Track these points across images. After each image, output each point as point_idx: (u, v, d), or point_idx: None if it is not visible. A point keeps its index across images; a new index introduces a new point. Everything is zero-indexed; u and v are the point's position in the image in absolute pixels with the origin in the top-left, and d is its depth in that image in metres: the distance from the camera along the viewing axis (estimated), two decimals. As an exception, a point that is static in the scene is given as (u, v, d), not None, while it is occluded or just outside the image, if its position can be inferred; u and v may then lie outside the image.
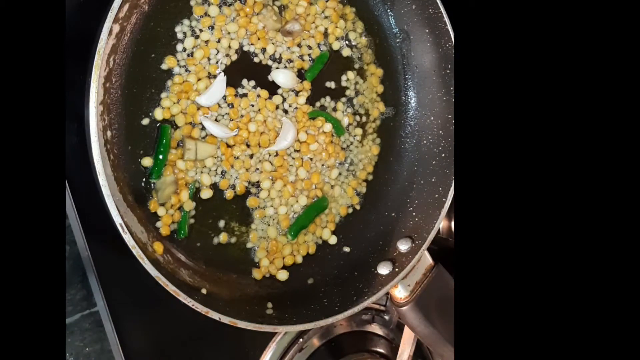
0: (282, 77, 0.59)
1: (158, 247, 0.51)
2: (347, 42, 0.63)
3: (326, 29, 0.62)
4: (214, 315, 0.50)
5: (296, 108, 0.60)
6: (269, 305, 0.56)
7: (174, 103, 0.54)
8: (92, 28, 0.47)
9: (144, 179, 0.53)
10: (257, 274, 0.58)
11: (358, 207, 0.64)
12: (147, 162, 0.53)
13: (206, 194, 0.55)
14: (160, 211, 0.53)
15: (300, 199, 0.60)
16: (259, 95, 0.58)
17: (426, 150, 0.64)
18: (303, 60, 0.61)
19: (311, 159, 0.61)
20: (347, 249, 0.62)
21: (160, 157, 0.53)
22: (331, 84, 0.62)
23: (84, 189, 0.50)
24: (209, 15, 0.56)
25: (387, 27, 0.65)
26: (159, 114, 0.53)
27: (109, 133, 0.49)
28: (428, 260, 0.61)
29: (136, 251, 0.47)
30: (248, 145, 0.58)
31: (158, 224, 0.53)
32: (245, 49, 0.58)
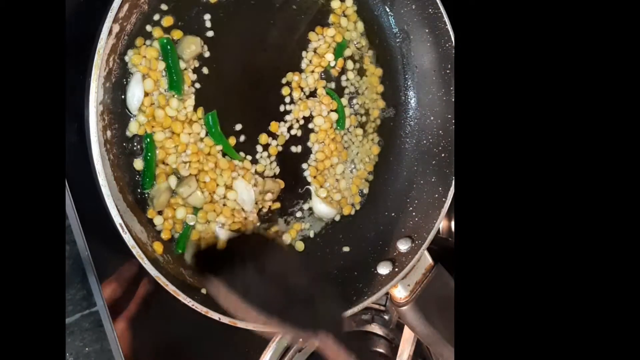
0: None
1: (158, 247, 0.51)
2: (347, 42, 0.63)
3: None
4: (214, 315, 0.49)
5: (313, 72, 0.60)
6: (269, 305, 0.56)
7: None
8: (92, 28, 0.47)
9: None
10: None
11: (358, 207, 0.64)
12: (138, 164, 0.52)
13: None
14: (157, 220, 0.52)
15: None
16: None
17: (426, 150, 0.64)
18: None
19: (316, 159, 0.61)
20: (347, 249, 0.62)
21: (149, 168, 0.51)
22: (331, 84, 0.62)
23: (84, 189, 0.50)
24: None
25: (387, 27, 0.65)
26: (134, 127, 0.51)
27: (108, 133, 0.49)
28: (428, 260, 0.61)
29: (136, 251, 0.47)
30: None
31: (158, 226, 0.53)
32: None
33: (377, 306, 0.70)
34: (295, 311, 0.48)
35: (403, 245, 0.60)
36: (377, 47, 0.65)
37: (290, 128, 0.59)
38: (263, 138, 0.58)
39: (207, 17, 0.55)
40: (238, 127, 0.56)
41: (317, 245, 0.61)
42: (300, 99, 0.60)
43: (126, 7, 0.48)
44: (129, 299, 0.55)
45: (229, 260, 0.51)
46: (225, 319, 0.50)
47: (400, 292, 0.59)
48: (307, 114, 0.60)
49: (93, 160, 0.46)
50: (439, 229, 0.61)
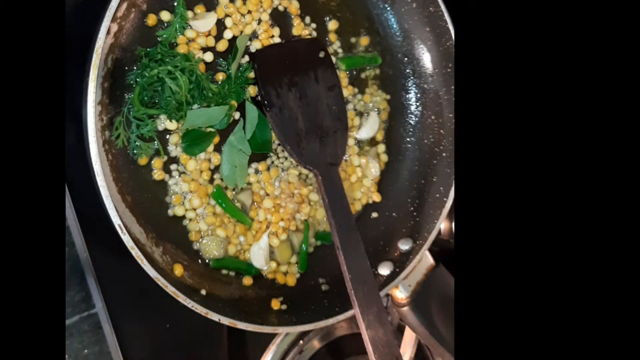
0: None
1: (157, 247, 0.50)
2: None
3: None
4: (214, 317, 0.49)
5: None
6: (269, 306, 0.55)
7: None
8: (90, 27, 0.47)
9: (142, 178, 0.52)
10: (246, 281, 0.57)
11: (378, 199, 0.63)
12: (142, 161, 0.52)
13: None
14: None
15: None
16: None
17: (427, 150, 0.64)
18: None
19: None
20: (347, 249, 0.62)
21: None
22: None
23: (83, 190, 0.50)
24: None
25: (388, 25, 0.64)
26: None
27: (107, 133, 0.49)
28: (429, 260, 0.60)
29: (135, 252, 0.46)
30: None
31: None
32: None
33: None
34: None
35: (404, 246, 0.60)
36: (377, 46, 0.64)
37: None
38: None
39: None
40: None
41: (318, 246, 0.61)
42: None
43: (124, 6, 0.47)
44: (128, 300, 0.55)
45: None
46: (225, 320, 0.50)
47: (401, 293, 0.59)
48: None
49: (92, 160, 0.46)
50: (440, 230, 0.60)
